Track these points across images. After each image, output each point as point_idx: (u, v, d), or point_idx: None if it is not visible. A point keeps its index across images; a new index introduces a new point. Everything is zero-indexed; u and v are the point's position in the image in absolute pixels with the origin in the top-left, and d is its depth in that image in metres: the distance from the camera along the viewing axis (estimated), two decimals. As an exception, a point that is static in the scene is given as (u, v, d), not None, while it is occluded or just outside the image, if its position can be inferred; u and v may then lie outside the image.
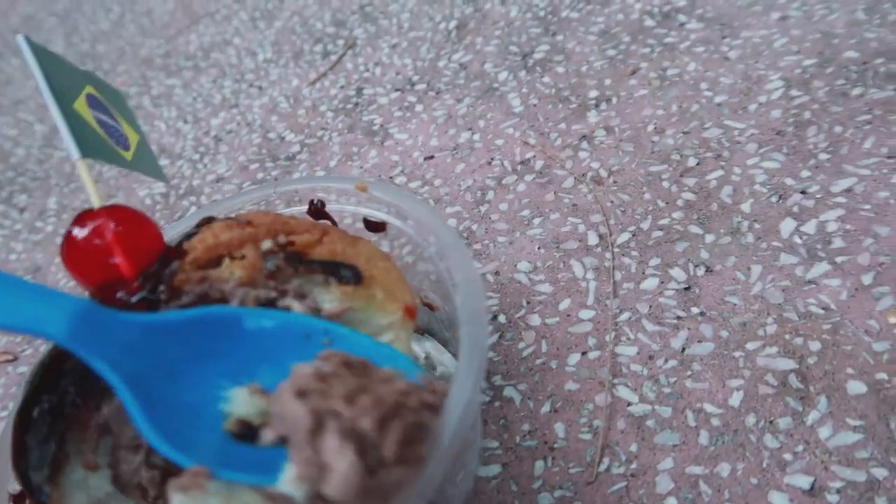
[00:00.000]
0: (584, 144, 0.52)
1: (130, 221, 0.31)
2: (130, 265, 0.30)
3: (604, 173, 0.49)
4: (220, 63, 0.81)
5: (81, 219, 0.30)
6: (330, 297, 0.31)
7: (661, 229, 0.44)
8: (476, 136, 0.57)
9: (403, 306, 0.32)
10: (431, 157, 0.56)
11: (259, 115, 0.69)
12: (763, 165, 0.45)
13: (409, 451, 0.23)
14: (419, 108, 0.62)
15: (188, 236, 0.31)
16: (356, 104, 0.65)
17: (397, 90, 0.65)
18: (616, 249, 0.44)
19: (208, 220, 0.33)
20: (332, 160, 0.60)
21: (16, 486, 0.31)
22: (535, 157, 0.53)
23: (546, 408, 0.38)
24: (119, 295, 0.30)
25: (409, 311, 0.32)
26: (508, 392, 0.39)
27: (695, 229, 0.43)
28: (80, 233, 0.30)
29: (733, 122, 0.49)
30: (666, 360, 0.38)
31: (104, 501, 0.28)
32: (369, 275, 0.32)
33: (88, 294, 0.31)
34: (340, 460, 0.22)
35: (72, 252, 0.30)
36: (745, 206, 0.43)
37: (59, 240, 0.65)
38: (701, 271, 0.41)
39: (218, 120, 0.71)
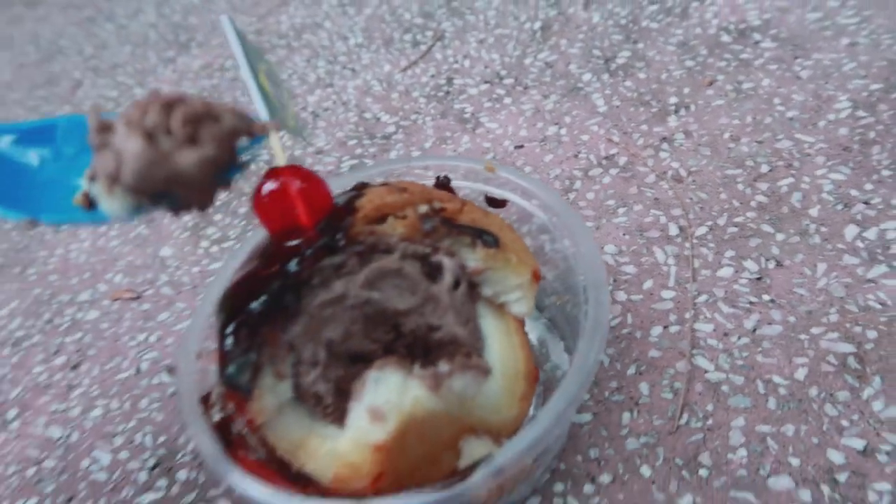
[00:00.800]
0: (665, 146, 0.58)
1: (310, 180, 0.37)
2: (308, 217, 0.36)
3: (683, 173, 0.55)
4: (312, 44, 0.87)
5: (270, 175, 0.36)
6: (474, 257, 0.37)
7: (735, 226, 0.50)
8: (563, 131, 0.62)
9: (532, 270, 0.38)
10: (521, 147, 0.62)
11: (354, 96, 0.75)
12: (830, 177, 0.51)
13: (199, 132, 0.29)
14: (508, 100, 0.68)
15: (356, 197, 0.37)
16: (447, 92, 0.71)
17: (486, 82, 0.71)
18: (695, 240, 0.50)
19: (363, 185, 0.40)
20: (427, 142, 0.66)
21: (208, 384, 0.37)
22: (618, 153, 0.58)
23: (632, 370, 0.44)
24: (296, 241, 0.36)
25: (535, 275, 0.38)
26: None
27: (766, 228, 0.49)
28: (269, 186, 0.36)
29: (803, 135, 0.55)
30: (739, 338, 0.43)
31: (286, 405, 0.35)
32: (504, 241, 0.38)
33: (269, 237, 0.37)
34: (129, 144, 0.28)
35: (261, 202, 0.37)
36: (813, 211, 0.49)
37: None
38: (772, 265, 0.47)
39: (314, 97, 0.77)
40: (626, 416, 0.42)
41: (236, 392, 0.33)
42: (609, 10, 0.75)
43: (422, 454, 0.32)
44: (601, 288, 0.35)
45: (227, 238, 0.64)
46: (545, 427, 0.31)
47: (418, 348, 0.35)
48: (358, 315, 0.35)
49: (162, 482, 0.47)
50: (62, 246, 0.70)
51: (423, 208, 0.37)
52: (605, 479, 0.39)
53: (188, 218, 0.68)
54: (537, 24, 0.77)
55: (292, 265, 0.34)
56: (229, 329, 0.33)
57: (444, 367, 0.32)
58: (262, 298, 0.34)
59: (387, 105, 0.72)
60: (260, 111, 0.37)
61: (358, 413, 0.32)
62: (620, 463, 0.40)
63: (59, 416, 0.54)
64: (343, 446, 0.32)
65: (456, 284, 0.36)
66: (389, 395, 0.31)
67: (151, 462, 0.48)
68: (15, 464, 0.51)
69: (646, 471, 0.39)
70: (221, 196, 0.69)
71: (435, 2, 0.87)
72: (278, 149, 0.37)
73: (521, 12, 0.80)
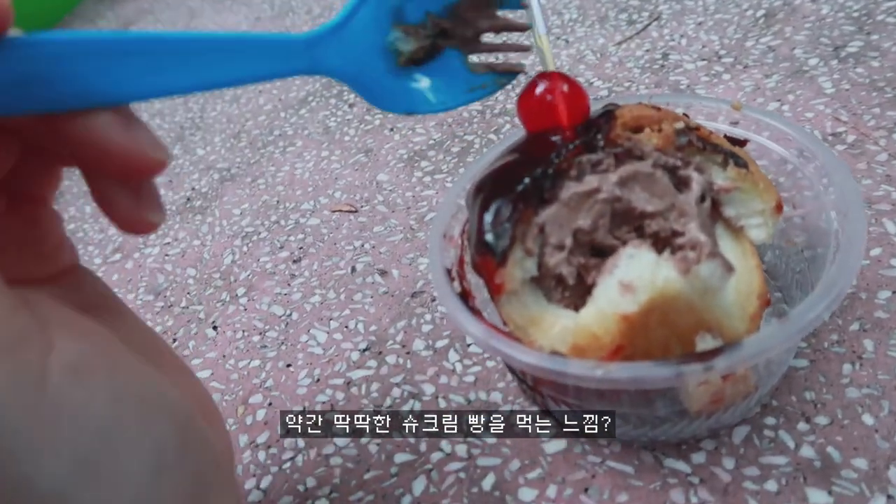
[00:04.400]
0: (900, 129, 0.56)
1: (573, 86, 0.40)
2: (569, 119, 0.39)
3: (920, 155, 0.53)
4: (527, 16, 0.91)
5: (540, 77, 0.40)
6: (724, 176, 0.38)
7: (980, 209, 0.48)
8: (785, 107, 0.62)
9: (776, 199, 0.39)
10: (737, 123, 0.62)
11: (567, 63, 0.78)
12: None
13: None
14: (726, 77, 0.68)
15: (614, 109, 0.40)
16: (662, 66, 0.73)
17: (704, 59, 0.72)
18: (931, 218, 0.48)
19: (615, 105, 0.42)
20: (640, 107, 0.67)
21: (447, 263, 0.41)
22: (846, 132, 0.57)
23: (855, 327, 0.43)
24: (554, 138, 0.39)
25: (779, 205, 0.39)
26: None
27: None
28: (537, 87, 0.40)
29: None
30: (980, 311, 0.42)
31: (527, 283, 0.38)
32: (752, 168, 0.39)
33: (528, 132, 0.40)
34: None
35: (528, 101, 0.40)
36: None
37: (385, 131, 0.78)
38: None
39: (527, 62, 0.81)
40: (846, 367, 0.41)
41: (491, 257, 0.37)
42: (839, 3, 0.74)
43: (660, 337, 0.34)
44: (860, 229, 0.35)
45: (439, 171, 0.69)
46: (795, 328, 0.31)
47: (661, 248, 0.37)
48: (607, 209, 0.37)
49: (372, 363, 0.51)
50: (288, 164, 0.78)
51: (680, 125, 0.39)
52: (821, 420, 0.39)
53: (403, 151, 0.73)
54: (760, 12, 0.76)
55: (554, 155, 0.37)
56: (496, 203, 0.37)
57: (692, 253, 0.34)
58: (525, 181, 0.37)
59: (600, 73, 0.75)
60: (537, 19, 0.40)
61: (609, 284, 0.34)
62: (839, 408, 0.39)
63: (281, 298, 0.60)
64: (587, 317, 0.34)
65: (702, 198, 0.37)
66: (642, 271, 0.33)
67: (363, 345, 0.53)
68: (242, 330, 0.58)
69: (868, 419, 0.38)
70: (434, 135, 0.74)
71: (652, -14, 0.89)
72: (548, 53, 0.41)
73: (743, 0, 0.80)
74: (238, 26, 1.21)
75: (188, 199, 0.78)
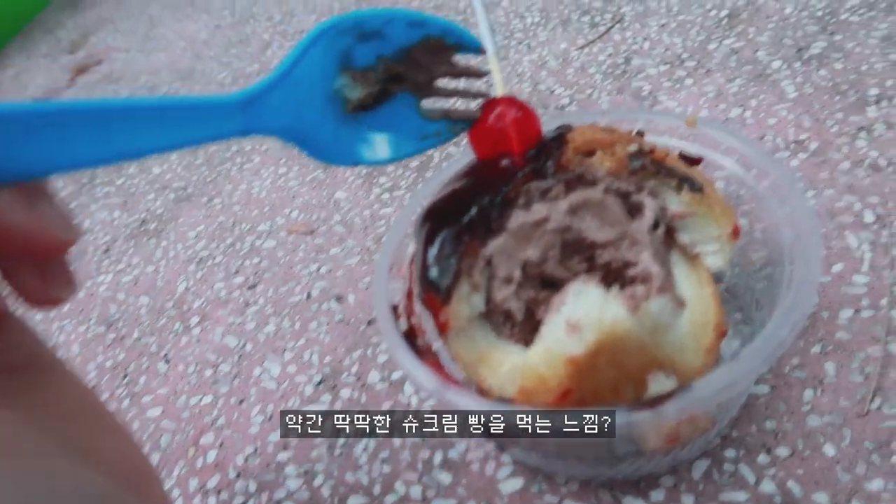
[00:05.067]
0: (863, 135, 0.54)
1: (524, 111, 0.38)
2: (520, 145, 0.37)
3: (883, 162, 0.52)
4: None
5: (489, 105, 0.38)
6: (678, 201, 0.37)
7: (944, 219, 0.46)
8: (748, 114, 0.60)
9: (733, 224, 0.37)
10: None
11: (528, 69, 0.77)
12: None
13: None
14: (689, 81, 0.67)
15: (566, 131, 0.38)
16: (624, 71, 0.71)
17: (666, 63, 0.70)
18: (894, 229, 0.47)
19: (568, 126, 0.40)
20: (601, 116, 0.66)
21: (395, 300, 0.39)
22: (809, 138, 0.56)
23: (816, 349, 0.42)
24: (504, 165, 0.37)
25: (735, 231, 0.37)
26: (779, 329, 0.43)
27: (981, 225, 0.45)
28: (488, 113, 0.38)
29: None
30: (945, 330, 0.40)
31: (475, 319, 0.36)
32: (708, 191, 0.37)
33: (478, 159, 0.38)
34: None
35: (478, 128, 0.38)
36: None
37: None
38: None
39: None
40: (808, 393, 0.40)
41: (435, 294, 0.35)
42: (803, 2, 0.72)
43: (610, 378, 0.32)
44: (815, 245, 0.34)
45: (397, 187, 0.67)
46: (746, 369, 0.30)
47: (612, 280, 0.35)
48: (556, 240, 0.35)
49: (326, 397, 0.50)
50: (245, 182, 0.76)
51: (633, 147, 0.37)
52: (782, 451, 0.38)
53: (362, 167, 0.71)
54: (724, 12, 0.75)
55: (503, 183, 0.35)
56: (441, 236, 0.35)
57: (641, 289, 0.32)
58: (472, 211, 0.35)
59: (562, 79, 0.73)
60: (487, 42, 0.38)
61: (555, 324, 0.32)
62: (800, 438, 0.38)
63: (235, 327, 0.58)
64: (534, 357, 0.33)
65: (655, 225, 0.36)
66: (589, 309, 0.32)
67: (317, 378, 0.51)
68: (195, 363, 0.56)
69: (830, 450, 0.37)
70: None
71: (615, -13, 0.87)
72: (499, 76, 0.39)
73: (706, 0, 0.78)
74: (198, 34, 1.18)
75: (143, 222, 0.76)
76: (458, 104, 0.39)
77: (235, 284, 0.62)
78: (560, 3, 0.87)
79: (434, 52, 0.35)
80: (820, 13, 0.70)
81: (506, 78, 0.75)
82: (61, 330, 0.65)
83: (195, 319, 0.60)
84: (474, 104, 0.37)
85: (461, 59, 0.36)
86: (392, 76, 0.34)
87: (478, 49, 0.36)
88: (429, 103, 0.36)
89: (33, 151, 0.21)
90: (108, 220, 0.78)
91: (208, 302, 0.62)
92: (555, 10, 0.86)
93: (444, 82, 0.36)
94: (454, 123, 0.37)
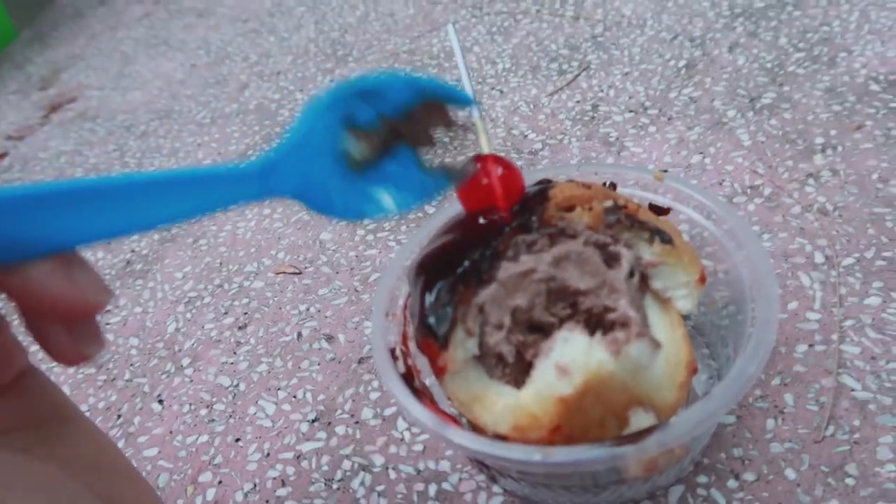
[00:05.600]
0: (811, 181, 0.60)
1: (509, 168, 0.42)
2: (504, 201, 0.41)
3: (829, 207, 0.57)
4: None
5: (476, 160, 0.41)
6: (650, 251, 0.41)
7: (884, 259, 0.51)
8: (707, 160, 0.65)
9: (699, 271, 0.41)
10: (666, 171, 0.65)
11: (502, 114, 0.81)
12: (985, 223, 0.52)
13: None
14: (652, 129, 0.72)
15: (548, 188, 0.42)
16: (592, 117, 0.76)
17: (631, 111, 0.75)
18: (841, 269, 0.52)
19: (548, 181, 0.44)
20: (573, 161, 0.70)
21: (391, 342, 0.42)
22: (763, 184, 0.61)
23: (776, 381, 0.46)
24: (493, 217, 0.41)
25: (702, 277, 0.41)
26: (742, 364, 0.47)
27: (917, 265, 0.50)
28: (473, 170, 0.41)
29: (956, 183, 0.56)
30: (888, 362, 0.45)
31: (470, 361, 0.39)
32: (677, 242, 0.41)
33: (466, 213, 0.42)
34: None
35: (465, 183, 0.42)
36: (967, 254, 0.50)
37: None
38: (922, 299, 0.48)
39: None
40: (770, 422, 0.44)
41: (433, 340, 0.38)
42: (754, 55, 0.78)
43: (596, 415, 0.36)
44: (771, 286, 0.38)
45: (381, 229, 0.70)
46: (717, 406, 0.34)
47: (594, 325, 0.39)
48: (542, 288, 0.39)
49: (321, 434, 0.52)
50: (230, 223, 0.78)
51: (608, 203, 0.41)
52: (748, 476, 0.42)
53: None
54: (682, 63, 0.81)
55: (492, 237, 0.39)
56: (437, 286, 0.38)
57: (621, 334, 0.36)
58: (465, 264, 0.39)
59: (534, 124, 0.77)
60: (473, 109, 0.42)
61: (545, 367, 0.36)
62: (764, 464, 0.42)
63: (228, 367, 0.60)
64: (526, 398, 0.36)
65: (631, 273, 0.40)
66: (576, 354, 0.35)
67: (312, 416, 0.54)
68: (189, 403, 0.58)
69: (790, 473, 0.41)
70: (375, 193, 0.75)
71: (580, 35, 0.92)
72: (484, 138, 0.43)
73: (665, 51, 0.84)
74: (173, 73, 1.20)
75: (128, 263, 0.77)
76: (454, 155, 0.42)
77: (226, 325, 0.64)
78: (529, 49, 0.93)
79: (431, 110, 0.38)
80: (769, 65, 0.76)
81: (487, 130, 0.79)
82: (50, 372, 0.66)
83: (187, 360, 0.62)
84: (468, 157, 0.40)
85: (455, 113, 0.38)
86: (392, 132, 0.37)
87: (469, 103, 0.39)
88: (428, 156, 0.39)
89: (63, 227, 0.24)
90: (91, 262, 0.79)
91: (199, 342, 0.64)
92: (524, 56, 0.91)
93: (440, 135, 0.38)
94: (452, 174, 0.40)
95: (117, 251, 0.80)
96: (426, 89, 0.38)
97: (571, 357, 0.35)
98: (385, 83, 0.36)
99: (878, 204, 0.56)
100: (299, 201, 0.34)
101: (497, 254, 0.39)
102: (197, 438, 0.55)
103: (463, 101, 0.39)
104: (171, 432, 0.56)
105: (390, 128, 0.37)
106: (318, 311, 0.63)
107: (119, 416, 0.59)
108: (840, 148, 0.62)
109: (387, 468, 0.48)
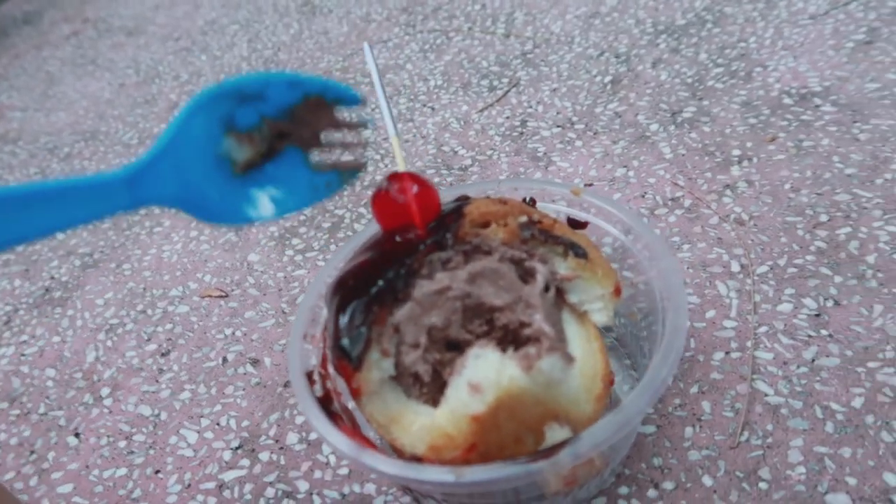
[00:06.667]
0: (728, 192, 0.62)
1: (425, 186, 0.41)
2: (420, 218, 0.41)
3: (745, 217, 0.59)
4: (394, 83, 0.94)
5: (392, 178, 0.41)
6: (565, 265, 0.41)
7: (795, 267, 0.53)
8: (631, 173, 0.67)
9: (615, 284, 0.42)
10: (591, 185, 0.66)
11: (433, 131, 0.81)
12: (887, 229, 0.54)
13: None
14: (579, 143, 0.73)
15: (463, 205, 0.42)
16: (521, 133, 0.77)
17: (558, 126, 0.76)
18: (756, 277, 0.53)
19: (465, 198, 0.44)
20: (502, 176, 0.70)
21: (309, 365, 0.41)
22: (683, 196, 0.62)
23: (694, 389, 0.47)
24: (409, 235, 0.40)
25: (617, 289, 0.42)
26: (662, 373, 0.48)
27: (825, 271, 0.52)
28: (389, 188, 0.41)
29: (861, 191, 0.58)
30: (798, 367, 0.46)
31: (386, 382, 0.39)
32: (591, 256, 0.42)
33: (383, 231, 0.41)
34: None
35: (380, 200, 0.41)
36: (870, 259, 0.52)
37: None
38: (830, 303, 0.50)
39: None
40: (688, 430, 0.45)
41: (347, 362, 0.37)
42: (676, 70, 0.81)
43: (510, 431, 0.36)
44: (680, 295, 0.38)
45: (310, 248, 0.69)
46: (628, 415, 0.34)
47: (509, 341, 0.39)
48: (458, 306, 0.38)
49: (245, 461, 0.51)
50: (155, 247, 0.76)
51: (523, 219, 0.41)
52: (668, 485, 0.42)
53: (274, 228, 0.73)
54: (608, 78, 0.82)
55: (407, 255, 0.39)
56: (351, 306, 0.38)
57: (533, 349, 0.36)
58: (380, 283, 0.38)
59: (464, 141, 0.78)
60: (388, 123, 0.42)
61: (458, 386, 0.35)
62: (683, 472, 0.42)
63: (149, 396, 0.58)
64: (441, 417, 0.36)
65: (546, 288, 0.40)
66: (488, 372, 0.35)
67: (235, 443, 0.52)
68: (107, 436, 0.56)
69: (707, 480, 0.42)
70: (306, 210, 0.74)
71: (511, 52, 0.93)
72: (400, 156, 0.43)
73: (592, 67, 0.85)
74: (100, 93, 1.17)
75: (47, 290, 0.74)
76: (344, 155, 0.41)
77: (148, 352, 0.62)
78: (460, 67, 0.93)
79: (315, 108, 0.36)
80: (690, 80, 0.78)
81: (410, 143, 0.79)
82: (-40, 408, 0.62)
83: (106, 390, 0.60)
84: (360, 152, 0.39)
85: (343, 113, 0.37)
86: (277, 133, 0.36)
87: (357, 102, 0.38)
88: (317, 155, 0.38)
89: None
90: (8, 290, 0.76)
91: (120, 371, 0.61)
92: (456, 73, 0.92)
93: (328, 135, 0.37)
94: (343, 173, 0.39)
95: (35, 278, 0.77)
96: (308, 87, 0.36)
97: (483, 374, 0.35)
98: (264, 83, 0.35)
99: (790, 213, 0.58)
100: (179, 209, 0.33)
101: (412, 272, 0.39)
102: (115, 472, 0.52)
103: (349, 100, 0.38)
104: (87, 466, 0.53)
105: (275, 129, 0.36)
106: (245, 334, 0.61)
107: (32, 452, 0.56)
108: (755, 159, 0.65)
109: (311, 494, 0.47)
